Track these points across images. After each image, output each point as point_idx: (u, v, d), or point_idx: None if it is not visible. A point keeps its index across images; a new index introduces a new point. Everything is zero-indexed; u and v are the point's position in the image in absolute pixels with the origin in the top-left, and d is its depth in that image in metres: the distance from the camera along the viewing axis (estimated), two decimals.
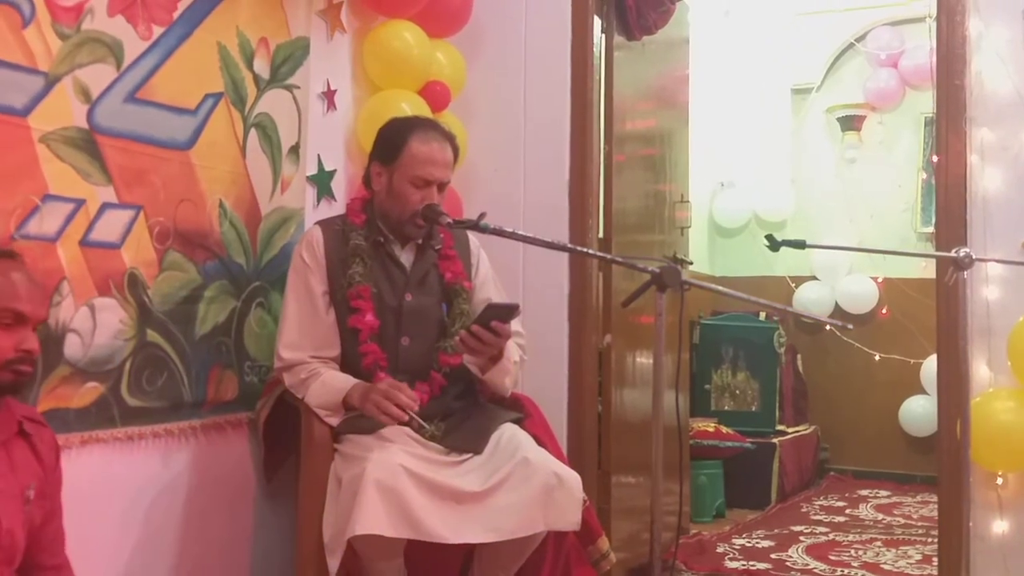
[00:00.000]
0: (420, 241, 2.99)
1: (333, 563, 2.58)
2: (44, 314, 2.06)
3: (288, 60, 3.24)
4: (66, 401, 2.50)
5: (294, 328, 2.89)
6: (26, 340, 1.97)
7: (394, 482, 2.52)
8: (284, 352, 2.88)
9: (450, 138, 2.99)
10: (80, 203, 2.54)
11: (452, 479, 2.64)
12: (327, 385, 2.82)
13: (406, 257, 2.99)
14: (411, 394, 2.74)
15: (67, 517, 2.15)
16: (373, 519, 2.47)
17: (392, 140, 2.96)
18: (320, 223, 3.03)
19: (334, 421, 2.81)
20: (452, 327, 2.96)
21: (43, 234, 2.44)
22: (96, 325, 2.58)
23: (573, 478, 2.71)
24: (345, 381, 2.83)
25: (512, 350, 2.95)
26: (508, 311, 2.82)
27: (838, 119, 6.96)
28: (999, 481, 3.38)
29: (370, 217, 2.98)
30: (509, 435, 2.81)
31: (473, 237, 3.12)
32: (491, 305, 2.85)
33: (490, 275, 3.17)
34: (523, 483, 2.64)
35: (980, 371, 3.40)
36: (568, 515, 2.68)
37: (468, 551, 2.87)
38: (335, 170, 3.47)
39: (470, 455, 2.75)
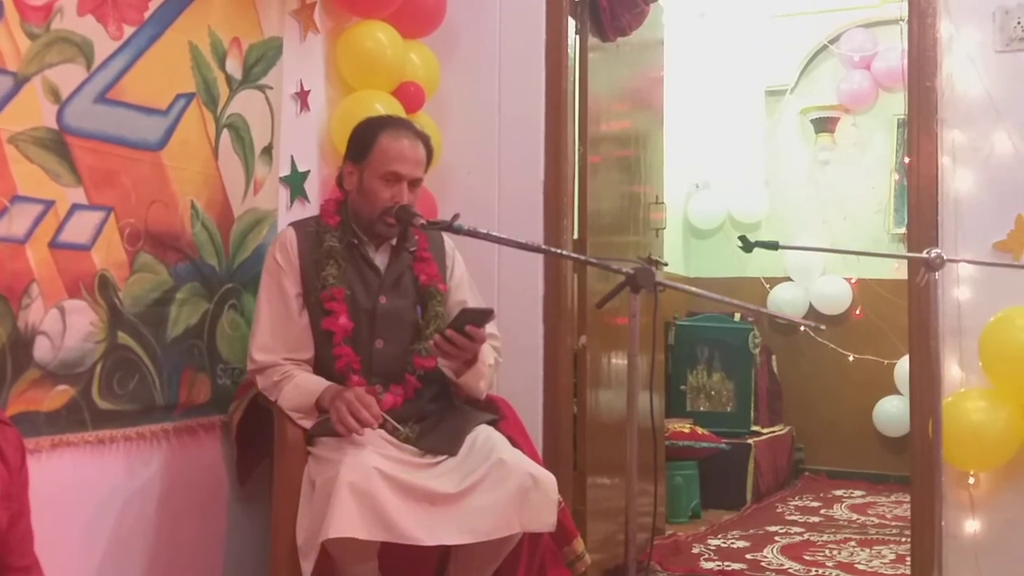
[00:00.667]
0: (395, 243, 2.98)
1: (307, 566, 2.56)
2: None
3: (261, 60, 3.22)
4: (36, 404, 2.47)
5: (267, 331, 2.88)
6: None
7: (368, 485, 2.51)
8: (257, 355, 2.86)
9: (423, 137, 2.98)
10: (49, 204, 2.51)
11: (426, 481, 2.63)
12: (300, 387, 2.81)
13: (380, 259, 2.98)
14: (376, 412, 2.69)
15: (37, 521, 2.13)
16: (347, 522, 2.46)
17: (362, 138, 2.95)
18: (294, 224, 3.01)
19: (307, 423, 2.79)
20: (427, 329, 2.95)
21: (11, 235, 2.41)
22: (66, 327, 2.56)
23: (548, 479, 2.70)
24: (318, 383, 2.81)
25: (487, 353, 2.94)
26: (482, 315, 2.81)
27: (812, 121, 6.99)
28: (971, 481, 3.40)
29: (344, 219, 2.97)
30: (484, 437, 2.80)
31: (448, 239, 3.11)
32: (465, 310, 2.84)
33: (465, 277, 3.16)
34: (498, 484, 2.63)
35: (952, 371, 3.42)
36: (543, 516, 2.68)
37: (443, 553, 2.86)
38: (308, 171, 3.45)
39: (445, 457, 2.75)
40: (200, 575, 3.00)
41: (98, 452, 2.67)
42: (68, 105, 2.56)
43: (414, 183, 2.92)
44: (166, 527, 2.87)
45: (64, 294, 2.55)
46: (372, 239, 2.96)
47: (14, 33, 2.42)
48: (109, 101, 2.68)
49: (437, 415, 2.92)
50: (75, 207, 2.58)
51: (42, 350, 2.49)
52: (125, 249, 2.74)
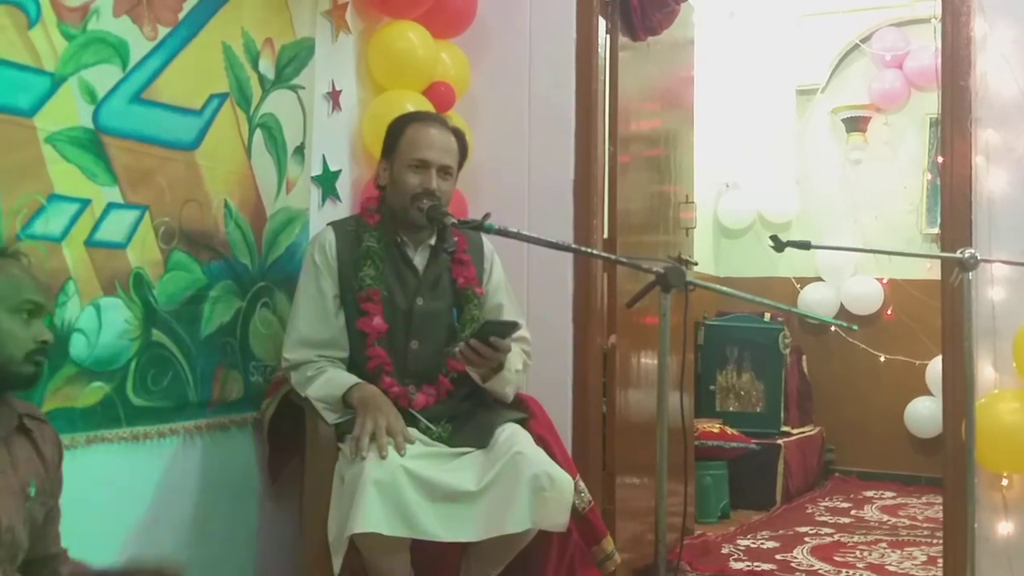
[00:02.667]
0: (433, 243, 2.98)
1: (337, 561, 2.58)
2: (51, 307, 2.07)
3: (293, 61, 3.24)
4: (72, 401, 2.51)
5: (302, 330, 2.90)
6: (43, 332, 2.00)
7: (392, 481, 2.53)
8: (290, 354, 2.89)
9: (454, 130, 3.01)
10: (86, 203, 2.54)
11: (449, 478, 2.65)
12: (331, 381, 2.82)
13: (419, 260, 2.99)
14: (400, 442, 2.66)
15: (71, 517, 2.15)
16: (372, 517, 2.48)
17: (393, 133, 3.00)
18: (333, 224, 3.03)
19: (331, 416, 2.80)
20: (462, 332, 2.96)
21: (49, 234, 2.44)
22: (102, 325, 2.59)
23: (565, 480, 2.70)
24: (349, 379, 2.83)
25: (514, 359, 2.94)
26: (506, 328, 2.82)
27: (843, 120, 6.95)
28: (1004, 482, 3.38)
29: (385, 218, 2.98)
30: (508, 433, 2.80)
31: (487, 242, 3.12)
32: (488, 322, 2.86)
33: (503, 281, 3.17)
34: (514, 481, 2.63)
35: (985, 372, 3.40)
36: (556, 517, 2.68)
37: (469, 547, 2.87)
38: (340, 170, 3.47)
39: (471, 449, 2.76)
40: (232, 570, 3.03)
41: (132, 448, 2.70)
42: (104, 105, 2.59)
43: (443, 170, 2.93)
44: (198, 523, 2.90)
45: (100, 292, 2.58)
46: (411, 237, 2.97)
47: (51, 34, 2.45)
48: (144, 101, 2.71)
49: (468, 412, 2.93)
50: (111, 206, 2.61)
51: (78, 347, 2.52)
52: (159, 247, 2.77)
